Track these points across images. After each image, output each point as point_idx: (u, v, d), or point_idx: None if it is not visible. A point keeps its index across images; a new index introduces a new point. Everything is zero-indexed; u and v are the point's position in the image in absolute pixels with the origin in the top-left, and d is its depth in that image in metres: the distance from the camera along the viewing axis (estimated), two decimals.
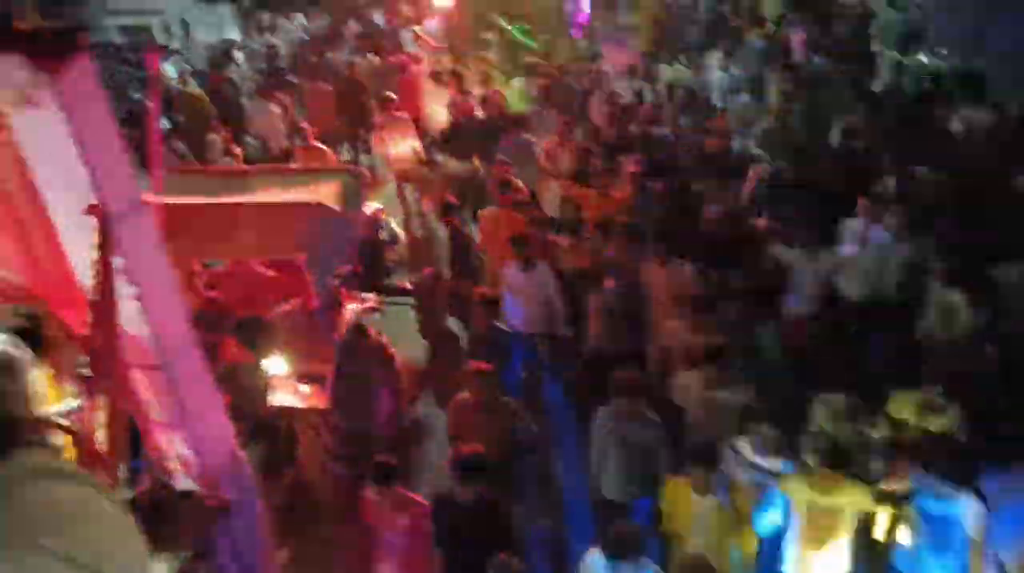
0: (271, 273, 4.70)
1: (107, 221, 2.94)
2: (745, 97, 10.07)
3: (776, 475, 4.27)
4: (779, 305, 6.17)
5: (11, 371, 1.14)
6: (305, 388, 4.78)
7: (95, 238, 2.95)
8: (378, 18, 15.98)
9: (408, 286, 6.43)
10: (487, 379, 4.86)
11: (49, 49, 2.76)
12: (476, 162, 8.38)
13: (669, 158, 8.27)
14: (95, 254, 2.95)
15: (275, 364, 4.63)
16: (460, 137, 8.89)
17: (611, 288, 6.07)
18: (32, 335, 2.85)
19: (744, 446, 4.50)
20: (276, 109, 9.88)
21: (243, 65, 12.50)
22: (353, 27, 15.29)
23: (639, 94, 10.89)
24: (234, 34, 14.91)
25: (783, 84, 9.84)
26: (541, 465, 5.33)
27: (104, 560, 0.77)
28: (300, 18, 15.73)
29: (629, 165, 7.62)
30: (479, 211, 7.37)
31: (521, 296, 6.19)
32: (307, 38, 14.77)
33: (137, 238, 3.14)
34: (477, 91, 10.25)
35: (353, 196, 5.23)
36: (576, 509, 5.39)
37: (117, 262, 2.97)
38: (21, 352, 2.91)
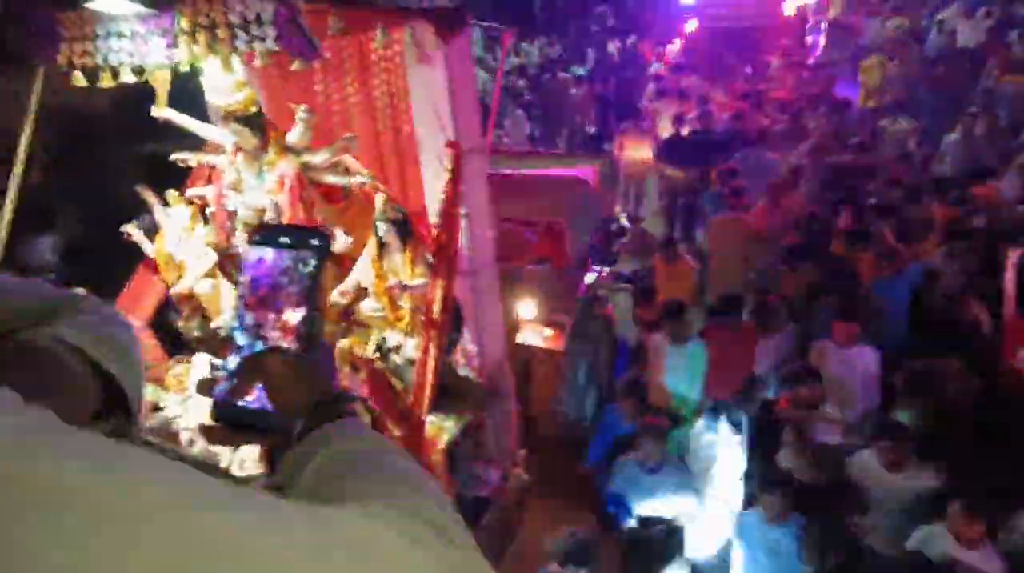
0: (533, 233, 5.56)
1: (459, 156, 3.90)
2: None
3: None
4: None
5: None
6: (548, 331, 5.59)
7: (447, 167, 3.91)
8: (611, 47, 17.05)
9: (627, 273, 7.10)
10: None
11: (447, 22, 3.77)
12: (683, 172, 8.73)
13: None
14: (446, 179, 3.90)
15: (525, 307, 5.51)
16: (679, 147, 9.12)
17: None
18: (403, 227, 3.84)
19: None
20: (522, 115, 11.19)
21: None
22: (591, 53, 16.50)
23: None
24: (478, 52, 16.66)
25: None
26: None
27: (448, 521, 0.74)
28: (538, 44, 17.18)
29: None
30: (711, 219, 7.12)
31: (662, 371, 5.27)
32: (545, 60, 16.16)
33: (475, 173, 4.11)
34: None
35: (607, 180, 6.06)
36: None
37: (461, 188, 3.93)
38: (392, 238, 3.96)
